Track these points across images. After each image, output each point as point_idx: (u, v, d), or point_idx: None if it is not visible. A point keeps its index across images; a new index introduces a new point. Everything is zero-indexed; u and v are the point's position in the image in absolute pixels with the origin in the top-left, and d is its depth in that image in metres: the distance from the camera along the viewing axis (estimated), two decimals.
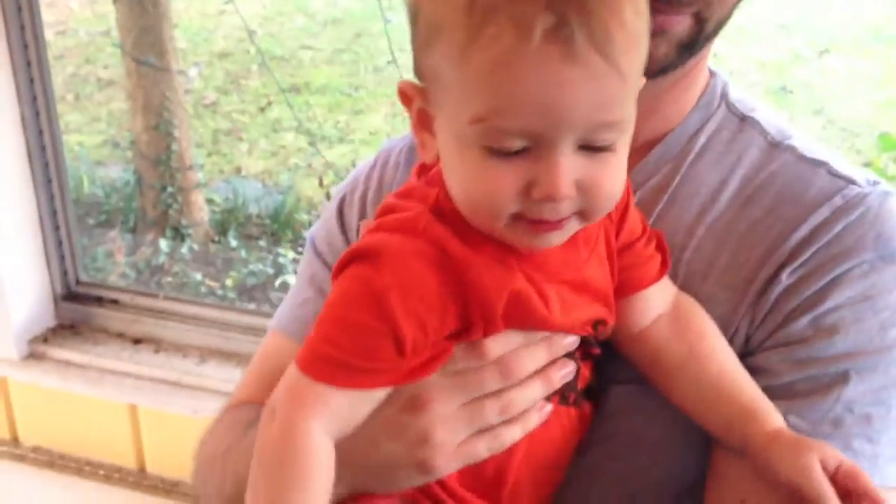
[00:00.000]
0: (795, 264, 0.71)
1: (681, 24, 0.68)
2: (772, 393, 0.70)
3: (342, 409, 0.64)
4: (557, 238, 0.63)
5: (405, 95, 0.64)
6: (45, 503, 2.01)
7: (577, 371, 0.70)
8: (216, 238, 3.53)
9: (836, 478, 0.62)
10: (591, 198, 0.60)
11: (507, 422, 0.68)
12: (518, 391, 0.67)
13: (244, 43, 4.45)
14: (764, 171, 0.76)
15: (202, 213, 3.53)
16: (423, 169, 0.71)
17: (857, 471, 0.62)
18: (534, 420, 0.69)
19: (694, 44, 0.70)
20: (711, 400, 0.70)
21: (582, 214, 0.62)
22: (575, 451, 0.73)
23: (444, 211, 0.64)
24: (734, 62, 3.66)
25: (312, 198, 3.74)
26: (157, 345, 1.98)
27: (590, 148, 0.59)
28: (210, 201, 3.64)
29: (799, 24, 4.01)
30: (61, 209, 2.00)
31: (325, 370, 0.63)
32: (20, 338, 2.00)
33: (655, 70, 0.68)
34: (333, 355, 0.62)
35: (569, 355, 0.70)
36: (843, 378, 0.69)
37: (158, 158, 3.36)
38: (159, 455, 1.96)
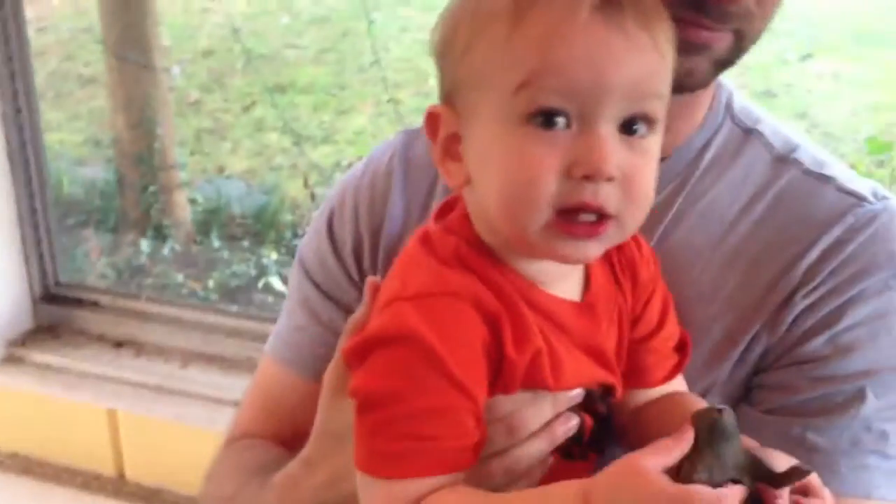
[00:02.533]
0: (812, 285, 0.72)
1: (723, 41, 0.68)
2: (789, 410, 0.70)
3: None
4: (594, 249, 0.61)
5: (433, 122, 0.64)
6: None
7: (582, 424, 0.68)
8: (198, 239, 3.48)
9: None
10: (628, 192, 0.59)
11: (511, 479, 0.66)
12: (523, 448, 0.65)
13: (228, 41, 4.40)
14: (772, 187, 0.75)
15: (184, 212, 3.49)
16: (443, 212, 0.69)
17: None
18: (537, 475, 0.67)
19: (731, 60, 0.71)
20: None
21: (618, 220, 0.60)
22: None
23: (470, 262, 0.63)
24: None
25: (297, 198, 3.71)
26: (139, 348, 1.96)
27: (629, 132, 0.59)
28: (192, 201, 3.60)
29: (782, 28, 4.03)
30: (41, 208, 1.97)
31: (418, 464, 0.59)
32: None
33: (695, 86, 0.70)
34: (415, 448, 0.59)
35: (573, 409, 0.68)
36: (860, 396, 0.70)
37: (140, 157, 3.32)
38: (140, 461, 1.93)
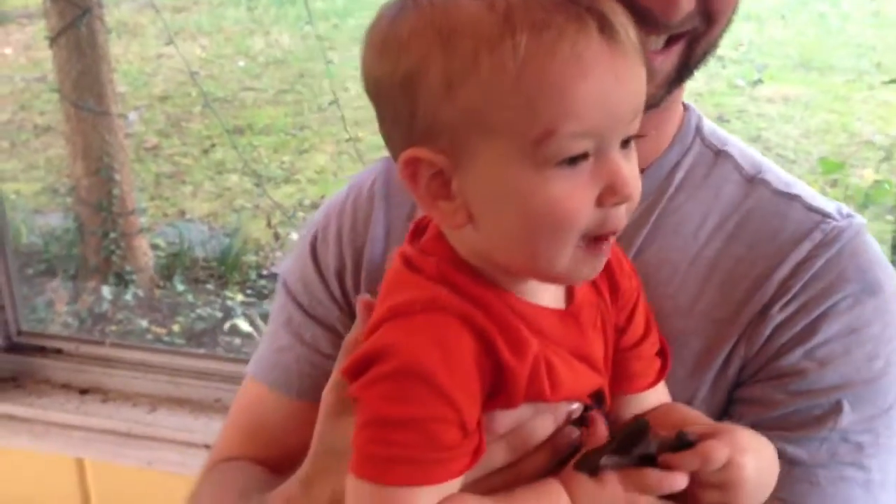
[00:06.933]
0: (785, 299, 0.74)
1: (668, 61, 0.69)
2: (769, 424, 0.71)
3: None
4: (604, 261, 0.63)
5: (413, 166, 0.61)
6: None
7: (579, 436, 0.68)
8: (161, 283, 3.45)
9: None
10: (631, 203, 0.61)
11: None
12: (526, 463, 0.65)
13: (185, 86, 4.41)
14: (742, 206, 0.78)
15: (146, 258, 3.45)
16: (416, 234, 0.69)
17: None
18: None
19: (681, 77, 0.72)
20: None
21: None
22: None
23: (454, 280, 0.63)
24: None
25: (260, 239, 3.70)
26: (105, 394, 1.93)
27: (625, 146, 0.61)
28: (154, 246, 3.57)
29: (732, 56, 4.13)
30: (0, 259, 1.94)
31: (402, 472, 0.59)
32: None
33: (644, 108, 0.68)
34: (405, 455, 0.58)
35: (573, 422, 0.68)
36: (836, 408, 0.72)
37: (100, 204, 3.29)
38: None
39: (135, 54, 4.75)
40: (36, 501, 1.92)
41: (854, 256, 0.75)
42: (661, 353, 0.73)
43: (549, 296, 0.66)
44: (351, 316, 0.86)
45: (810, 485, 0.71)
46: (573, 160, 0.58)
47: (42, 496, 1.91)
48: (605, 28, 0.57)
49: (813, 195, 0.79)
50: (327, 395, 0.71)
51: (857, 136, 3.76)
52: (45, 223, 3.71)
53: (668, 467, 0.61)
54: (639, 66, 0.60)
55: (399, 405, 0.58)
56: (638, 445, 0.61)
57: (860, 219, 0.78)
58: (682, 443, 0.61)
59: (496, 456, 0.64)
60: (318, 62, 4.35)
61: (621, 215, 0.61)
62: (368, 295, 0.70)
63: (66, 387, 1.95)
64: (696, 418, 0.69)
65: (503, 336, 0.61)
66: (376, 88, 0.63)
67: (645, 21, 0.64)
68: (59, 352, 1.98)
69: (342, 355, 0.71)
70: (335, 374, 0.71)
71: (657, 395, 0.72)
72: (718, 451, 0.60)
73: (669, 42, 0.68)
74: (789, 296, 0.74)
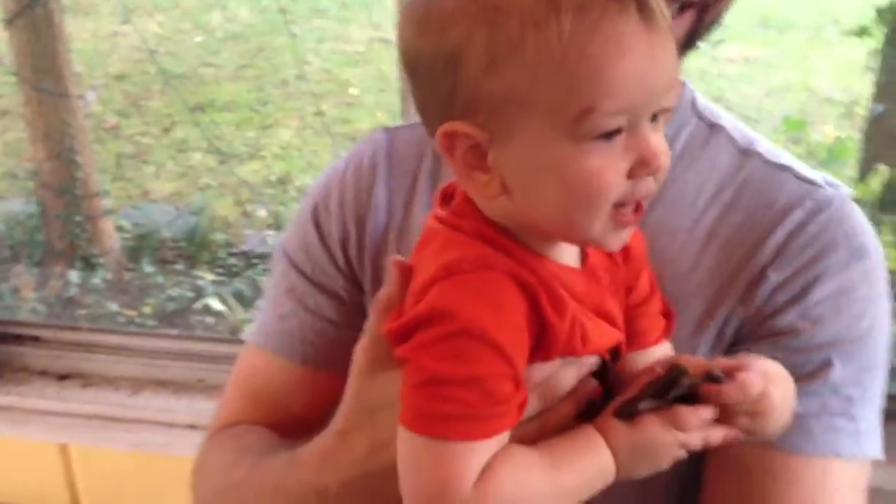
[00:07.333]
0: (780, 263, 0.78)
1: (680, 26, 0.71)
2: None
3: (484, 458, 0.61)
4: (631, 230, 0.66)
5: (450, 139, 0.63)
6: None
7: (598, 387, 0.71)
8: (130, 265, 3.42)
9: None
10: (664, 167, 0.63)
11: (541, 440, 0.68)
12: (554, 412, 0.68)
13: (141, 63, 4.33)
14: (737, 177, 0.82)
15: (112, 240, 3.41)
16: (446, 197, 0.70)
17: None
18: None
19: (688, 45, 0.74)
20: None
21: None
22: None
23: (494, 240, 0.65)
24: None
25: (227, 217, 3.67)
26: (86, 379, 1.91)
27: (654, 119, 0.63)
28: (120, 228, 3.53)
29: None
30: None
31: (462, 428, 0.60)
32: None
33: None
34: (464, 412, 0.60)
35: (593, 375, 0.70)
36: (827, 364, 0.76)
37: (62, 187, 3.24)
38: (96, 494, 1.88)
39: (89, 32, 4.65)
40: (22, 488, 1.91)
41: (842, 223, 0.79)
42: (666, 314, 0.76)
43: (568, 257, 0.68)
44: (355, 283, 0.88)
45: (803, 433, 0.75)
46: (609, 135, 0.60)
47: (27, 482, 1.90)
48: (643, 8, 0.59)
49: (801, 166, 0.83)
50: (361, 353, 0.72)
51: (817, 93, 3.82)
52: (7, 209, 3.65)
53: (707, 400, 0.64)
54: (671, 44, 0.61)
55: (458, 364, 0.60)
56: (673, 389, 0.64)
57: (846, 188, 0.82)
58: (713, 379, 0.64)
59: (529, 406, 0.66)
60: (277, 36, 4.30)
61: (651, 185, 0.63)
62: (400, 256, 0.71)
63: (44, 373, 1.93)
64: (706, 364, 0.72)
65: (546, 294, 0.63)
66: (416, 63, 0.63)
67: None
68: (35, 339, 1.96)
69: (375, 314, 0.71)
70: (369, 333, 0.72)
71: (662, 352, 0.75)
72: (756, 381, 0.64)
73: (682, 9, 0.71)
74: (784, 260, 0.77)
